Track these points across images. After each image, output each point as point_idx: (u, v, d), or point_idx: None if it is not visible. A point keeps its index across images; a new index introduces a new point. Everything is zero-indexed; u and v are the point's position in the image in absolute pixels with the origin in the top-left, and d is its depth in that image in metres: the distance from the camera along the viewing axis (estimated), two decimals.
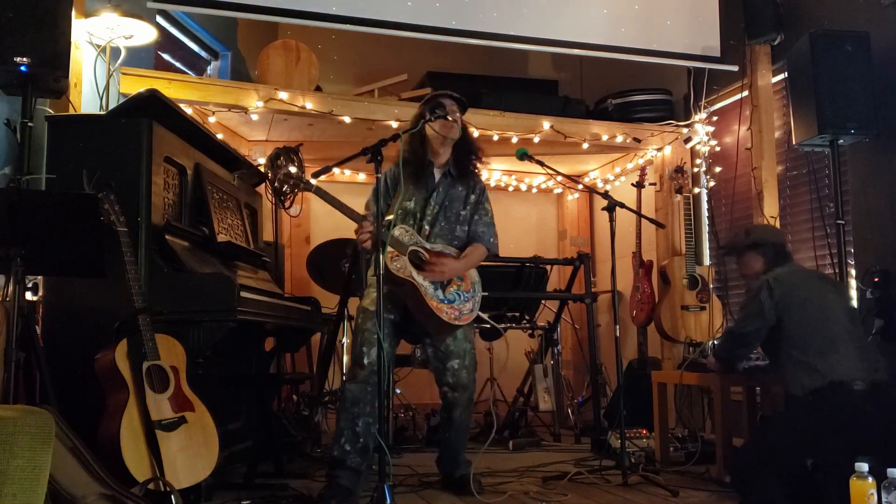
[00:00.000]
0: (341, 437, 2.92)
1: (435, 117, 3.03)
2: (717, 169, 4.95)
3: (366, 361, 2.94)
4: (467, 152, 3.21)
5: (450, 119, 3.09)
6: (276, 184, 2.74)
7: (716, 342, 3.48)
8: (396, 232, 2.97)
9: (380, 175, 2.91)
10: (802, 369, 2.80)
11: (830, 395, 2.72)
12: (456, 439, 3.22)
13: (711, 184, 5.00)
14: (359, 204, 3.08)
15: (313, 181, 2.78)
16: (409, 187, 3.10)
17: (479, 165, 3.27)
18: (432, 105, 3.09)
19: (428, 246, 3.06)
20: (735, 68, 4.65)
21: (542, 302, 5.15)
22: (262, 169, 4.32)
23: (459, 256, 3.13)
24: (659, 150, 5.19)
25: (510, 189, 6.35)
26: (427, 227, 3.12)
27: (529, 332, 5.13)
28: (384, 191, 3.10)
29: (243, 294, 2.95)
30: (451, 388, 3.13)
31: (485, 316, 3.28)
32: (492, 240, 3.23)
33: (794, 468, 2.77)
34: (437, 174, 3.19)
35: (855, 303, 3.74)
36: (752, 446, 3.00)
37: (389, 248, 2.90)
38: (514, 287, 4.77)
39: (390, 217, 3.03)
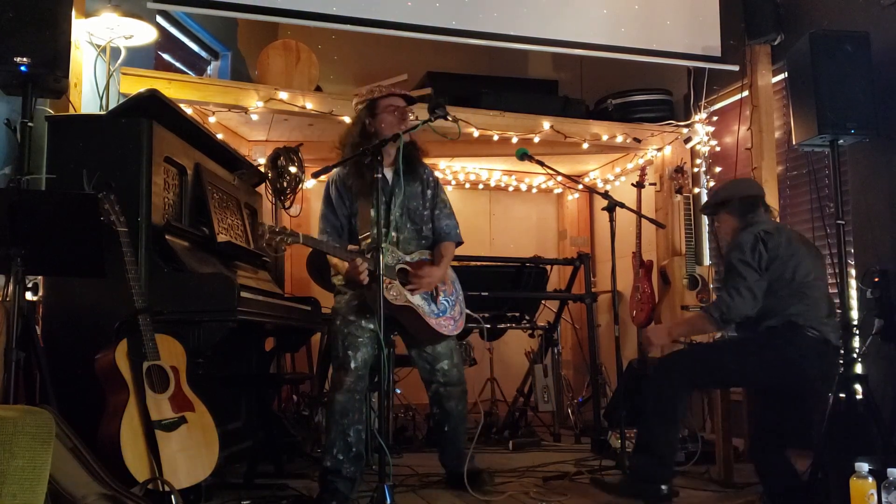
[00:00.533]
0: (333, 448, 2.89)
1: (435, 117, 2.99)
2: (717, 169, 4.95)
3: (352, 366, 2.91)
4: (413, 146, 3.12)
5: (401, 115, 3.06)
6: (265, 242, 2.66)
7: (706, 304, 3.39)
8: (384, 257, 2.78)
9: (329, 181, 2.87)
10: (771, 308, 2.89)
11: (781, 331, 2.84)
12: (455, 430, 3.21)
13: (711, 184, 4.99)
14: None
15: (299, 235, 2.68)
16: (364, 195, 2.98)
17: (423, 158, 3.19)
18: (432, 105, 3.04)
19: (408, 258, 3.05)
20: (735, 68, 4.65)
21: (542, 302, 5.15)
22: (262, 169, 4.33)
23: (436, 260, 3.11)
24: (659, 150, 5.19)
25: (510, 189, 6.35)
26: (394, 234, 3.07)
27: (529, 332, 5.13)
28: (337, 200, 3.04)
29: (243, 294, 2.95)
30: (443, 385, 3.16)
31: (471, 313, 3.30)
32: (457, 230, 3.21)
33: (712, 386, 3.06)
34: (389, 174, 3.07)
35: (855, 302, 3.74)
36: (686, 355, 3.15)
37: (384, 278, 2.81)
38: (514, 287, 4.77)
39: (367, 241, 2.93)
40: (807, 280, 2.91)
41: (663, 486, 2.87)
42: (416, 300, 2.99)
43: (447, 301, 3.11)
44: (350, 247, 2.93)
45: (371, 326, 2.95)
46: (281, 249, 2.71)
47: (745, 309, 2.91)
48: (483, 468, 3.33)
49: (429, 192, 3.17)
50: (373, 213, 2.91)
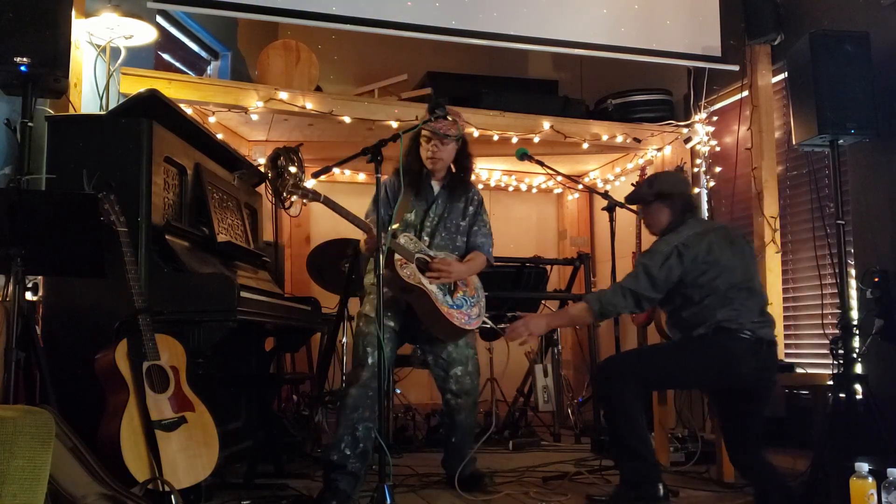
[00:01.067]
0: (341, 442, 2.90)
1: (435, 117, 3.02)
2: (717, 169, 4.95)
3: (369, 361, 2.94)
4: (464, 168, 3.25)
5: (430, 155, 3.13)
6: (279, 188, 2.71)
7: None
8: (402, 240, 2.99)
9: (382, 181, 2.90)
10: (699, 315, 2.90)
11: (713, 337, 2.85)
12: (462, 441, 3.24)
13: (711, 184, 5.00)
14: (357, 204, 3.06)
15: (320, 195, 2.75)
16: (409, 198, 3.12)
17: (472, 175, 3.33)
18: (432, 105, 3.08)
19: (432, 253, 3.09)
20: (735, 68, 4.65)
21: (542, 302, 5.15)
22: (262, 169, 4.33)
23: (463, 261, 3.17)
24: (659, 150, 5.19)
25: (510, 189, 6.35)
26: (427, 239, 3.15)
27: None
28: (385, 200, 3.10)
29: (243, 294, 2.95)
30: (455, 395, 3.16)
31: (488, 320, 3.30)
32: (490, 250, 3.29)
33: (659, 387, 3.10)
34: (436, 186, 3.22)
35: (855, 302, 3.74)
36: (627, 357, 3.19)
37: (397, 256, 2.90)
38: (514, 287, 4.77)
39: (395, 227, 3.04)
40: (733, 285, 2.88)
41: (659, 485, 2.87)
42: (432, 286, 2.99)
43: (466, 300, 3.13)
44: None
45: (392, 325, 3.05)
46: (296, 204, 2.76)
47: (623, 310, 2.99)
48: (484, 471, 3.34)
49: (471, 208, 3.26)
50: (412, 213, 3.10)
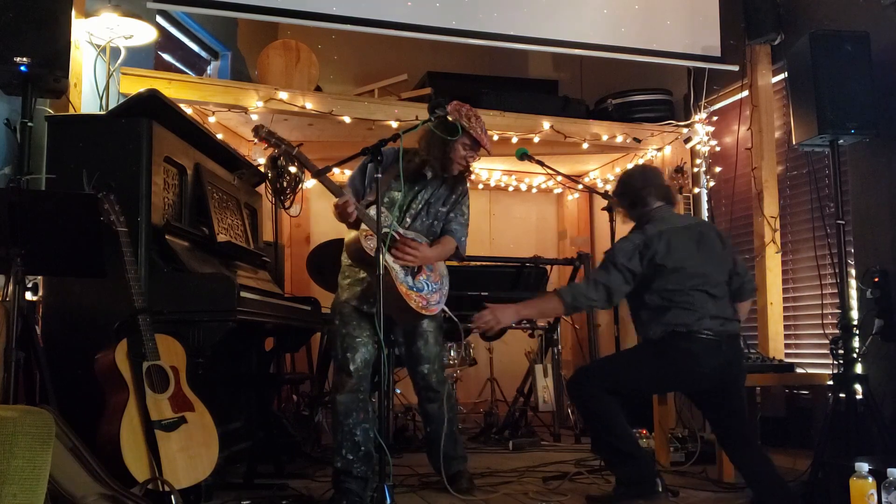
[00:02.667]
0: (342, 449, 2.89)
1: (435, 117, 3.00)
2: (717, 169, 4.94)
3: (351, 368, 2.91)
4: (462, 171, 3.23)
5: (465, 164, 3.16)
6: (272, 168, 2.68)
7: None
8: (374, 212, 2.82)
9: (369, 161, 2.87)
10: (654, 319, 2.90)
11: (669, 341, 2.86)
12: (438, 432, 3.16)
13: (711, 184, 4.99)
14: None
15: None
16: (392, 177, 3.02)
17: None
18: (431, 105, 3.05)
19: (401, 231, 3.02)
20: (735, 68, 4.65)
21: None
22: (262, 169, 4.33)
23: (432, 245, 3.11)
24: (659, 150, 5.19)
25: (510, 189, 6.34)
26: (408, 220, 3.10)
27: (529, 332, 5.13)
28: (370, 174, 3.02)
29: (243, 294, 2.95)
30: (424, 389, 3.16)
31: (447, 310, 3.17)
32: (462, 239, 3.21)
33: (628, 393, 3.05)
34: (429, 173, 3.15)
35: (855, 302, 3.74)
36: (593, 367, 3.23)
37: (364, 228, 2.84)
38: (513, 287, 4.77)
39: (371, 198, 2.96)
40: (693, 287, 2.87)
41: (657, 481, 2.88)
42: (392, 262, 2.92)
43: (427, 284, 3.05)
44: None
45: (369, 324, 2.95)
46: (277, 154, 2.73)
47: (596, 304, 2.98)
48: (469, 473, 3.29)
49: (453, 197, 3.22)
50: (399, 192, 3.02)
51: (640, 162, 5.39)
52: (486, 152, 3.21)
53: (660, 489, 2.88)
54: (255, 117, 4.34)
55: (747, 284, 3.09)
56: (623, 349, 3.35)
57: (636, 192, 3.09)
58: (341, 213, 2.79)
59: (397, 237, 2.97)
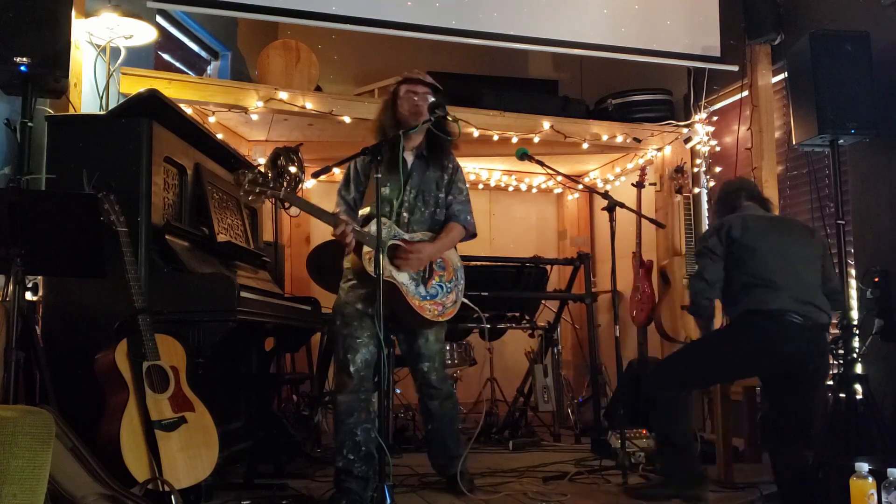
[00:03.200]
0: (343, 449, 2.89)
1: (435, 117, 2.99)
2: (717, 169, 4.95)
3: (352, 370, 2.89)
4: (441, 137, 3.07)
5: (414, 103, 3.02)
6: (243, 191, 2.63)
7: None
8: (372, 228, 2.79)
9: (352, 166, 2.86)
10: (737, 299, 2.94)
11: (754, 318, 2.87)
12: (440, 430, 3.15)
13: (711, 184, 5.00)
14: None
15: (281, 191, 2.66)
16: (383, 173, 2.92)
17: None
18: (431, 105, 3.03)
19: (407, 237, 2.98)
20: (735, 68, 4.65)
21: (542, 302, 5.14)
22: (262, 169, 4.33)
23: (434, 239, 3.04)
24: (659, 150, 5.19)
25: (510, 189, 6.35)
26: (406, 215, 3.03)
27: (529, 332, 5.13)
28: (355, 177, 3.05)
29: (243, 294, 2.95)
30: (426, 386, 3.12)
31: (467, 301, 3.15)
32: (468, 217, 3.13)
33: (704, 384, 3.14)
34: (410, 157, 3.08)
35: (855, 302, 3.74)
36: (678, 356, 3.21)
37: (365, 249, 2.82)
38: (514, 287, 4.77)
39: (365, 210, 2.96)
40: (770, 265, 2.91)
41: (701, 484, 2.93)
42: (402, 278, 2.91)
43: (442, 287, 3.02)
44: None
45: (370, 325, 2.92)
46: (260, 202, 2.67)
47: (704, 293, 3.01)
48: (470, 473, 3.28)
49: (446, 176, 3.13)
50: (386, 187, 2.95)
51: (640, 162, 5.39)
52: (424, 81, 3.08)
53: (705, 474, 2.94)
54: (255, 117, 4.34)
55: (835, 295, 3.08)
56: (695, 340, 3.42)
57: (728, 194, 3.23)
58: (343, 241, 2.81)
59: (402, 245, 2.94)
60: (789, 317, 2.83)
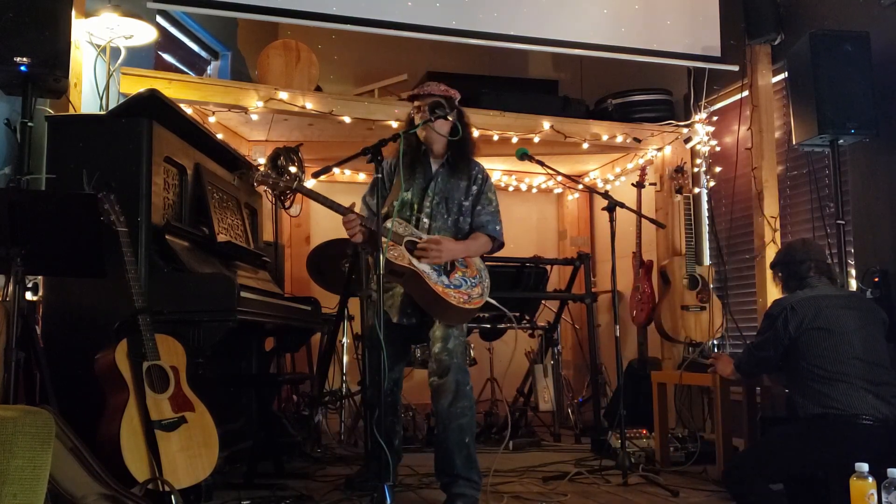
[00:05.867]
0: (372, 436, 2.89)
1: (435, 117, 2.99)
2: (717, 169, 4.95)
3: (385, 386, 2.79)
4: (464, 143, 3.08)
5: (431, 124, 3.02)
6: (258, 182, 2.74)
7: (728, 350, 3.37)
8: (391, 224, 2.83)
9: (378, 175, 2.87)
10: (807, 393, 2.76)
11: (830, 424, 2.69)
12: (444, 437, 2.89)
13: (711, 184, 5.00)
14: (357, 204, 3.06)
15: (297, 180, 2.79)
16: (406, 177, 2.97)
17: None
18: (432, 105, 3.03)
19: (424, 236, 2.96)
20: (735, 68, 4.65)
21: (542, 302, 5.15)
22: (262, 169, 4.33)
23: (460, 241, 3.03)
24: (659, 150, 5.19)
25: (510, 189, 6.34)
26: (426, 220, 3.01)
27: (529, 332, 5.13)
28: (380, 183, 3.00)
29: (243, 294, 2.95)
30: (435, 375, 2.93)
31: (494, 302, 3.10)
32: (497, 227, 3.08)
33: (791, 477, 2.82)
34: (435, 164, 3.09)
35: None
36: (753, 452, 3.03)
37: (385, 240, 2.81)
38: (514, 287, 4.77)
39: (385, 210, 2.96)
40: (843, 359, 2.73)
41: None
42: (423, 267, 2.86)
43: (465, 280, 2.96)
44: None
45: (413, 321, 3.01)
46: (277, 187, 2.83)
47: (759, 369, 3.09)
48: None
49: (474, 187, 3.09)
50: (408, 192, 3.00)
51: (640, 162, 5.40)
52: (432, 91, 3.06)
53: None
54: (255, 117, 4.34)
55: None
56: (774, 431, 3.16)
57: (797, 263, 3.00)
58: (348, 231, 2.87)
59: (419, 241, 2.93)
60: (865, 421, 2.64)
